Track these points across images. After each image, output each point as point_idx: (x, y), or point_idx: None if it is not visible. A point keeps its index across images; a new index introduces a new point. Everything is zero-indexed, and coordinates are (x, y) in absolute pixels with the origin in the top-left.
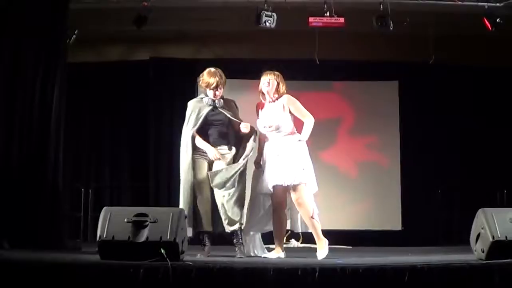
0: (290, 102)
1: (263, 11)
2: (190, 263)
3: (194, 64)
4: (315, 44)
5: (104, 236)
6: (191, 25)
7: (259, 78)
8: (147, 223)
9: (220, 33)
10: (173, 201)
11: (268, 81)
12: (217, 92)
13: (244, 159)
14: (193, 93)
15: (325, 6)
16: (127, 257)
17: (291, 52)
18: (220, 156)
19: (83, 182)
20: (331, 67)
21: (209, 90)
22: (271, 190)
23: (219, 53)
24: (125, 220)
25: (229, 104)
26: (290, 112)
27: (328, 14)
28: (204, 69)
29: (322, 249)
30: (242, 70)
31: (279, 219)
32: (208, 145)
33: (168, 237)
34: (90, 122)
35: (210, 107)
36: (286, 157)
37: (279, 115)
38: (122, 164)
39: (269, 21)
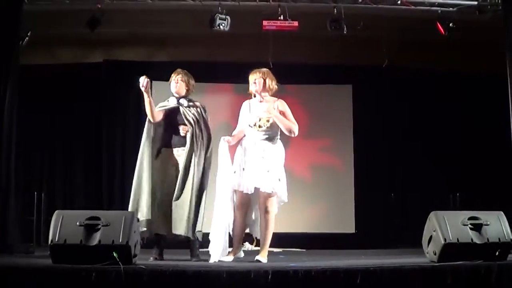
0: (283, 107)
1: (217, 14)
2: (143, 266)
3: (147, 67)
4: (269, 47)
5: (56, 239)
6: (145, 28)
7: (213, 81)
8: (99, 226)
9: (174, 36)
10: (126, 204)
11: (254, 80)
12: (178, 85)
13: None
14: None
15: (279, 10)
16: (79, 260)
17: (245, 55)
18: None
19: (36, 186)
20: (285, 70)
21: (172, 82)
22: (252, 190)
23: (173, 56)
24: (77, 223)
25: (196, 106)
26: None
27: (282, 17)
28: (158, 72)
29: (264, 258)
30: (196, 73)
31: (242, 220)
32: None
33: (120, 240)
34: (43, 125)
35: (175, 106)
36: (269, 162)
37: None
38: (75, 167)
39: (223, 24)
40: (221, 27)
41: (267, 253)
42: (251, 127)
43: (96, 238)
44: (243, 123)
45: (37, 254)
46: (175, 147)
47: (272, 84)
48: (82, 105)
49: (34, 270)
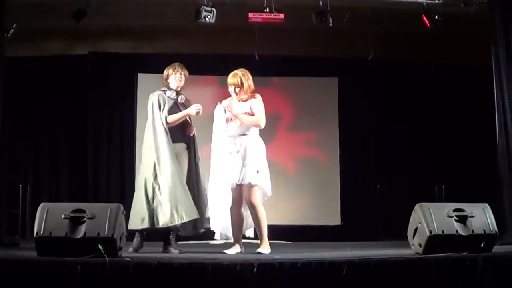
0: (255, 106)
1: (202, 6)
2: (128, 259)
3: (133, 59)
4: (255, 39)
5: (41, 232)
6: (130, 20)
7: (198, 73)
8: (85, 219)
9: (160, 28)
10: (112, 197)
11: (234, 89)
12: (181, 80)
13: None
14: (132, 88)
15: (265, 2)
16: (64, 253)
17: (230, 47)
18: (200, 108)
19: (21, 178)
20: (271, 62)
21: (173, 76)
22: (231, 185)
23: (159, 48)
24: (62, 216)
25: (188, 103)
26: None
27: (267, 10)
28: (144, 64)
29: (265, 249)
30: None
31: (237, 216)
32: (183, 111)
33: (106, 233)
34: (28, 117)
35: (173, 101)
36: (245, 156)
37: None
38: (61, 159)
39: (209, 16)
40: (206, 19)
41: (267, 244)
42: (235, 122)
43: (82, 231)
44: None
45: (22, 246)
46: (174, 142)
47: (249, 84)
48: (68, 97)
49: (19, 263)
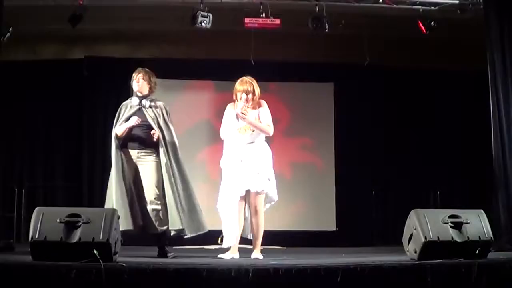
0: (263, 113)
1: (199, 11)
2: (123, 264)
3: (129, 63)
4: (251, 45)
5: (36, 236)
6: (126, 24)
7: (194, 78)
8: (80, 223)
9: (156, 33)
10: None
11: (247, 97)
12: (139, 84)
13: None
14: (127, 93)
15: (261, 7)
16: (59, 257)
17: (226, 52)
18: (139, 121)
19: (16, 182)
20: (267, 68)
21: (134, 81)
22: (243, 193)
23: (155, 53)
24: (58, 220)
25: (157, 107)
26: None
27: (264, 15)
28: None
29: (260, 254)
30: (178, 70)
31: (238, 221)
32: (126, 123)
33: (101, 237)
34: (24, 121)
35: (137, 107)
36: (256, 163)
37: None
38: (56, 163)
39: (205, 22)
40: (203, 24)
41: (259, 254)
42: (238, 132)
43: (77, 235)
44: (229, 125)
45: (17, 250)
46: (135, 149)
47: (259, 92)
48: (63, 102)
49: (14, 267)
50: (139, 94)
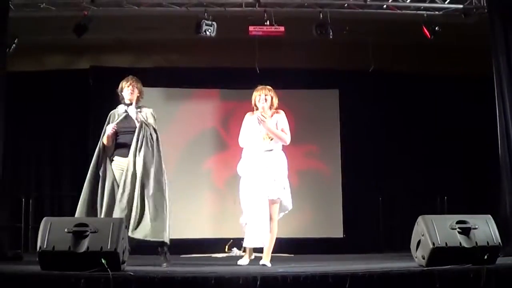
0: (281, 121)
1: (203, 20)
2: (131, 273)
3: (134, 73)
4: (255, 52)
5: (45, 246)
6: (131, 34)
7: (199, 86)
8: (88, 233)
9: (160, 42)
10: None
11: (265, 98)
12: (132, 93)
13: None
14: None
15: (265, 15)
16: (67, 267)
17: (231, 61)
18: (115, 128)
19: (24, 192)
20: (271, 75)
21: (126, 89)
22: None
23: (159, 62)
24: (66, 230)
25: (142, 112)
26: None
27: (268, 23)
28: (145, 78)
29: (268, 262)
30: (183, 79)
31: None
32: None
33: (108, 247)
34: (31, 131)
35: (124, 115)
36: (273, 171)
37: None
38: (63, 173)
39: (210, 30)
40: (207, 33)
41: (269, 261)
42: (264, 139)
43: (85, 245)
44: (249, 133)
45: (26, 260)
46: (125, 157)
47: (276, 100)
48: (69, 112)
49: (22, 277)
50: (128, 102)
